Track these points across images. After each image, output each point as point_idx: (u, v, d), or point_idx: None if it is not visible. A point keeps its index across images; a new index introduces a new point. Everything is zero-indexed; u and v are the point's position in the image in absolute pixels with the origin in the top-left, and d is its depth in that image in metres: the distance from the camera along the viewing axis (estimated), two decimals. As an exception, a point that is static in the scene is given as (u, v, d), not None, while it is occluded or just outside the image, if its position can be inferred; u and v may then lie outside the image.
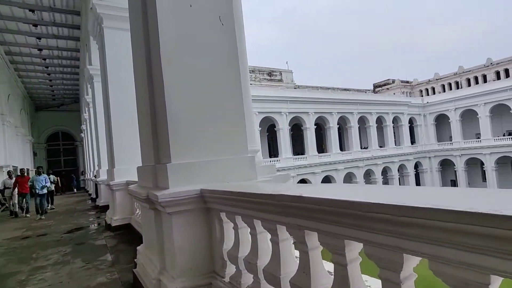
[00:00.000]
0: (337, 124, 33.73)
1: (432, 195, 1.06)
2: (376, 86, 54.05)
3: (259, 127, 28.35)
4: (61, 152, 30.97)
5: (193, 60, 2.49)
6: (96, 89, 8.98)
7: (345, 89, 44.94)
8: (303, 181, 31.06)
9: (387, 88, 50.73)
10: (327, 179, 32.11)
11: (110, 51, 5.74)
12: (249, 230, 1.94)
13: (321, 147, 35.84)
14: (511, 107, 33.69)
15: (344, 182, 32.50)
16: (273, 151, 34.16)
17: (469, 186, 37.90)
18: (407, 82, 50.86)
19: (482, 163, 36.36)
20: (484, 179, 36.59)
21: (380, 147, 36.96)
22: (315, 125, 31.89)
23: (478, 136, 37.46)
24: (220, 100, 2.56)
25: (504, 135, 35.73)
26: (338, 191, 1.33)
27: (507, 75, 38.79)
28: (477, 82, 41.73)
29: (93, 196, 13.51)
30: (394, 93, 47.24)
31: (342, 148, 35.58)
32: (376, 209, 0.96)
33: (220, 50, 2.59)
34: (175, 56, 2.42)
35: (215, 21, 2.58)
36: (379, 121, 37.54)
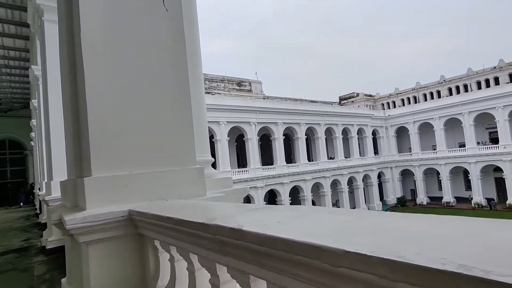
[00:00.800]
0: (305, 135, 34.16)
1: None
2: (341, 98, 55.98)
3: (228, 137, 27.86)
4: (7, 162, 28.15)
5: (127, 51, 2.02)
6: (42, 92, 8.05)
7: (312, 101, 45.94)
8: (271, 192, 30.83)
9: (352, 101, 52.71)
10: (295, 190, 32.17)
11: (51, 46, 5.04)
12: (186, 264, 1.49)
13: (290, 158, 36.03)
14: (462, 121, 36.28)
15: (311, 192, 32.78)
16: (242, 162, 33.70)
17: (427, 195, 40.05)
18: (370, 95, 53.25)
19: (438, 173, 38.59)
20: (440, 188, 38.82)
21: (346, 157, 37.94)
22: (283, 135, 32.01)
23: (434, 147, 39.82)
24: (162, 102, 2.11)
25: (458, 147, 38.29)
26: (315, 227, 0.90)
27: (458, 92, 41.92)
28: (432, 97, 44.63)
29: (38, 211, 12.14)
30: (358, 106, 49.12)
31: (309, 158, 36.01)
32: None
33: (162, 41, 2.15)
34: (103, 44, 1.94)
35: (157, 5, 2.14)
36: (345, 132, 38.64)
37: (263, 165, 30.58)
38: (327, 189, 34.26)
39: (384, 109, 47.76)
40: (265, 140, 34.17)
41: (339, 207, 37.14)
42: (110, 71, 1.95)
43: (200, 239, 1.11)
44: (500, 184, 34.57)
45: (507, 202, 32.65)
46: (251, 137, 29.33)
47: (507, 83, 36.85)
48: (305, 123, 33.75)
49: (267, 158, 35.10)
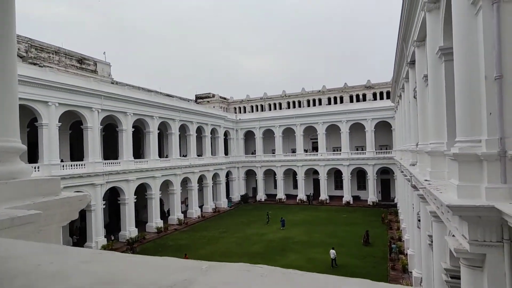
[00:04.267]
0: (158, 130, 31.99)
1: None
2: (198, 97, 56.31)
3: (59, 122, 22.38)
4: None
5: None
6: None
7: (168, 95, 43.83)
8: (114, 189, 27.02)
9: (208, 101, 53.90)
10: (142, 187, 29.47)
11: None
12: None
13: (138, 152, 32.84)
14: (295, 131, 43.42)
15: (160, 190, 30.94)
16: (76, 154, 28.00)
17: (266, 192, 45.54)
18: (225, 98, 56.04)
19: (275, 174, 44.69)
20: (276, 186, 45.08)
21: (198, 155, 38.14)
22: (133, 127, 28.77)
23: (273, 151, 45.83)
24: None
25: (291, 152, 45.45)
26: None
27: (294, 106, 50.01)
28: (275, 108, 51.35)
29: None
30: (214, 106, 50.64)
31: (161, 154, 34.00)
32: None
33: None
34: None
35: None
36: (199, 131, 38.81)
37: (104, 159, 26.38)
38: (177, 187, 33.24)
39: (236, 113, 51.23)
40: (110, 130, 29.77)
41: (187, 205, 36.81)
42: None
43: None
44: (316, 184, 43.38)
45: (320, 198, 41.28)
46: (92, 125, 24.75)
47: (326, 104, 46.78)
48: (159, 117, 31.63)
49: (110, 152, 30.62)
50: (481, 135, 5.13)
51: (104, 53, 39.60)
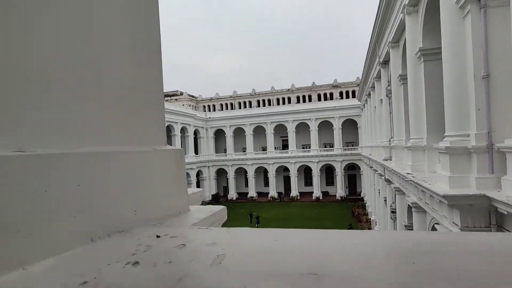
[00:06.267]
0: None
1: None
2: (165, 95, 54.64)
3: None
4: None
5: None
6: None
7: (134, 92, 41.92)
8: None
9: (176, 99, 52.50)
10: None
11: None
12: None
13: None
14: (265, 129, 43.80)
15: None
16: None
17: (237, 191, 45.44)
18: (193, 96, 54.98)
19: (246, 172, 44.76)
20: (247, 184, 45.16)
21: (168, 155, 36.98)
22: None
23: (244, 149, 45.85)
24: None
25: (262, 150, 45.78)
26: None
27: (264, 104, 50.41)
28: (245, 106, 51.37)
29: None
30: (183, 105, 49.42)
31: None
32: None
33: None
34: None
35: None
36: (168, 129, 37.67)
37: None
38: (147, 188, 31.97)
39: (205, 111, 50.45)
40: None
41: (157, 206, 35.57)
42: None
43: None
44: (287, 181, 44.16)
45: (291, 195, 42.08)
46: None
47: (296, 103, 47.76)
48: (127, 115, 30.18)
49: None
50: (469, 129, 5.57)
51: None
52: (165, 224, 0.83)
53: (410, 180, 7.79)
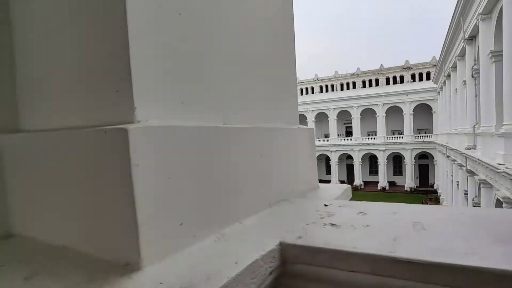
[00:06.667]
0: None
1: None
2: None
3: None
4: None
5: None
6: None
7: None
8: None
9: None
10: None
11: None
12: None
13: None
14: (328, 115, 42.51)
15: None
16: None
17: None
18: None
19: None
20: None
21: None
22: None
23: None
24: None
25: (324, 137, 44.78)
26: None
27: (327, 90, 48.80)
28: (307, 93, 50.39)
29: None
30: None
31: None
32: None
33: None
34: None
35: None
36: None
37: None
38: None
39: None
40: None
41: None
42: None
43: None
44: (350, 169, 42.59)
45: (354, 184, 40.55)
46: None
47: (361, 87, 45.20)
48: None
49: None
50: None
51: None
52: (310, 196, 0.94)
53: (503, 172, 6.91)
